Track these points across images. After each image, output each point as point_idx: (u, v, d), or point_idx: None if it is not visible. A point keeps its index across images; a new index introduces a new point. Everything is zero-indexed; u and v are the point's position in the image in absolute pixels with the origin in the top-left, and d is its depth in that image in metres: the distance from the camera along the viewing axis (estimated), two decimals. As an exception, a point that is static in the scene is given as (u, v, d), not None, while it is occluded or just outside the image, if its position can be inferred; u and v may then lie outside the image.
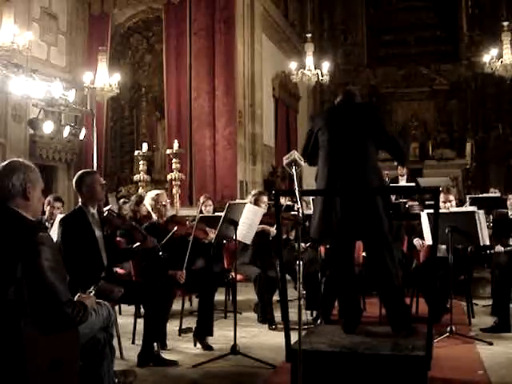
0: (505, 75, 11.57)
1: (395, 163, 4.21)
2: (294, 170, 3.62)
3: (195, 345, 4.54)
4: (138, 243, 4.24)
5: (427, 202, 7.41)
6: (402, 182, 9.90)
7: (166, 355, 4.18)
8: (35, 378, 2.30)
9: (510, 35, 11.34)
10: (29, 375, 2.27)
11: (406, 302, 4.11)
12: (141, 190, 9.62)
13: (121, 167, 12.60)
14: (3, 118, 9.75)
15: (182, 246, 4.67)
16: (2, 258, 2.31)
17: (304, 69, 11.90)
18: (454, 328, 4.57)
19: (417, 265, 5.66)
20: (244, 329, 4.97)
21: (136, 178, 10.29)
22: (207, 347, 4.47)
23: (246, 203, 5.00)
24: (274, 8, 13.88)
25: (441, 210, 4.89)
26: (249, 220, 4.75)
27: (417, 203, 7.85)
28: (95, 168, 8.63)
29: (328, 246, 5.07)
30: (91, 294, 2.84)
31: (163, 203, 4.99)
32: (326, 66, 11.93)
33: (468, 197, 8.87)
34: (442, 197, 5.36)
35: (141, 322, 4.24)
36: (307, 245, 5.56)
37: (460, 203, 8.04)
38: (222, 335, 4.71)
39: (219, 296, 5.38)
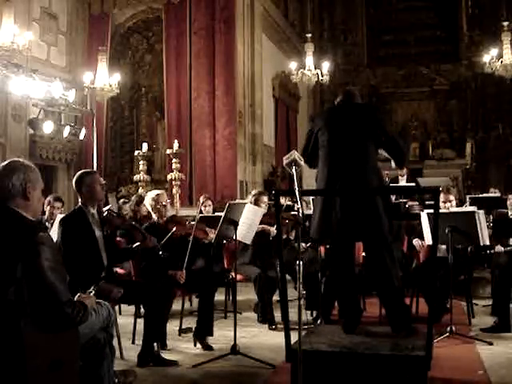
0: (505, 75, 11.57)
1: (393, 165, 4.19)
2: (293, 170, 3.61)
3: (195, 345, 4.54)
4: (137, 243, 4.24)
5: (427, 202, 7.41)
6: (402, 182, 9.89)
7: (166, 355, 4.18)
8: (35, 378, 2.30)
9: (510, 35, 11.34)
10: (29, 375, 2.26)
11: (406, 302, 4.11)
12: (141, 190, 9.63)
13: (121, 167, 12.61)
14: (3, 118, 9.76)
15: (182, 246, 4.67)
16: (2, 257, 2.31)
17: (304, 69, 11.89)
18: (454, 328, 4.56)
19: (417, 265, 5.66)
20: (244, 329, 4.97)
21: (136, 178, 10.30)
22: (207, 347, 4.47)
23: (245, 203, 5.00)
24: (274, 8, 13.88)
25: (441, 210, 4.90)
26: (249, 220, 4.75)
27: (417, 203, 7.85)
28: (95, 168, 8.64)
29: (328, 246, 5.07)
30: (91, 294, 2.84)
31: (163, 203, 4.99)
32: (326, 66, 11.93)
33: (468, 197, 8.86)
34: (442, 197, 5.36)
35: (141, 322, 4.24)
36: (307, 245, 5.56)
37: (460, 203, 8.04)
38: (221, 335, 4.71)
39: (219, 296, 5.38)
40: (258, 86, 12.30)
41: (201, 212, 6.50)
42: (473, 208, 5.74)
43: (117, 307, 4.93)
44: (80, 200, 4.02)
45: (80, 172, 4.11)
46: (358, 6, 18.00)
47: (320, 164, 3.95)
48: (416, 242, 5.56)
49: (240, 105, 11.47)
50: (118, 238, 5.19)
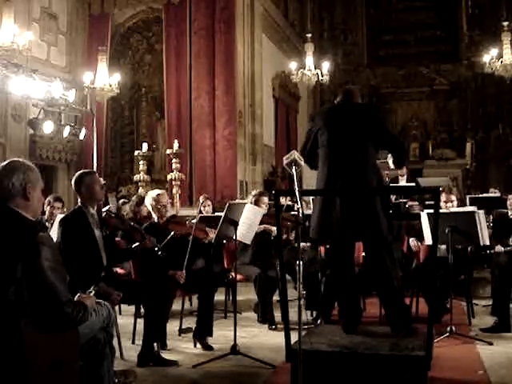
0: (505, 75, 11.57)
1: (391, 165, 4.20)
2: (293, 170, 3.61)
3: (195, 345, 4.53)
4: (137, 243, 4.24)
5: (427, 202, 7.41)
6: (402, 182, 9.88)
7: (166, 355, 4.18)
8: (35, 378, 2.30)
9: (510, 35, 11.34)
10: (29, 375, 2.27)
11: (406, 302, 4.11)
12: (141, 190, 9.64)
13: (121, 167, 12.61)
14: (3, 118, 9.76)
15: (182, 246, 4.67)
16: (2, 257, 2.31)
17: (304, 69, 11.90)
18: (453, 328, 4.56)
19: (417, 265, 5.66)
20: (244, 329, 4.96)
21: (136, 177, 10.31)
22: (207, 347, 4.47)
23: (245, 203, 4.99)
24: (274, 8, 13.88)
25: (442, 210, 4.90)
26: (249, 220, 4.75)
27: (417, 203, 7.85)
28: (95, 168, 8.63)
29: (328, 246, 5.07)
30: (91, 294, 2.84)
31: (164, 203, 4.98)
32: (326, 66, 11.93)
33: (468, 197, 8.86)
34: (443, 197, 5.36)
35: (141, 322, 4.24)
36: (307, 245, 5.56)
37: (461, 203, 8.04)
38: (221, 335, 4.71)
39: (219, 296, 5.38)
40: (258, 85, 12.31)
41: (201, 212, 6.50)
42: (473, 208, 5.73)
43: (117, 307, 4.92)
44: (79, 200, 4.03)
45: (79, 172, 4.11)
46: (358, 6, 17.99)
47: (320, 164, 3.94)
48: (412, 241, 5.56)
49: (240, 105, 11.47)
50: (118, 239, 5.19)
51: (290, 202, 7.17)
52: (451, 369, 3.86)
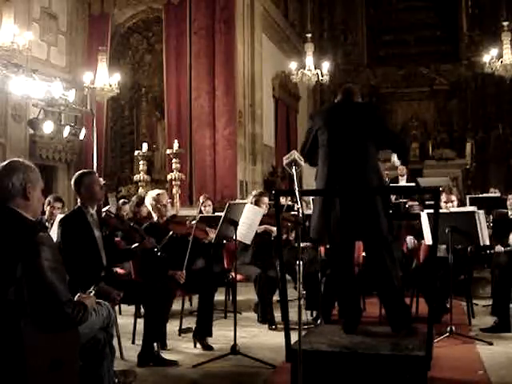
0: (505, 75, 11.57)
1: (395, 159, 4.18)
2: (294, 170, 3.62)
3: (195, 345, 4.53)
4: (136, 244, 4.24)
5: (427, 202, 7.41)
6: (402, 182, 9.90)
7: (166, 355, 4.18)
8: (35, 378, 2.30)
9: (510, 35, 11.34)
10: (29, 375, 2.26)
11: (406, 302, 4.11)
12: (141, 190, 9.64)
13: (121, 167, 12.61)
14: (3, 118, 9.76)
15: (182, 246, 4.67)
16: (2, 258, 2.31)
17: (304, 69, 11.90)
18: (453, 328, 4.56)
19: (417, 265, 5.66)
20: (244, 329, 4.96)
21: (136, 177, 10.31)
22: (207, 347, 4.47)
23: (245, 203, 4.99)
24: (274, 8, 13.88)
25: (442, 210, 4.89)
26: (249, 220, 4.75)
27: (417, 203, 7.85)
28: (95, 168, 8.63)
29: (328, 246, 5.07)
30: (91, 294, 2.84)
31: (164, 203, 4.98)
32: (326, 66, 11.93)
33: (468, 197, 8.87)
34: (443, 197, 5.36)
35: (141, 322, 4.24)
36: (308, 244, 5.56)
37: (461, 204, 8.04)
38: (221, 335, 4.71)
39: (219, 296, 5.38)
40: (258, 85, 12.31)
41: (201, 212, 6.50)
42: (473, 208, 5.73)
43: (117, 307, 4.92)
44: (79, 200, 4.03)
45: (79, 172, 4.11)
46: (358, 6, 18.00)
47: (320, 163, 3.93)
48: (409, 239, 5.56)
49: (240, 105, 11.47)
50: (118, 239, 5.18)
51: (290, 202, 7.17)
52: (451, 369, 3.86)
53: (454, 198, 5.52)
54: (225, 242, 5.48)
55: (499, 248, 5.57)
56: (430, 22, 17.49)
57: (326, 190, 3.87)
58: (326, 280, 5.14)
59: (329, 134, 3.88)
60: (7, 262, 2.30)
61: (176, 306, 4.93)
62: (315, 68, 11.93)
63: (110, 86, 10.05)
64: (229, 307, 5.64)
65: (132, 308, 4.83)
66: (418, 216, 5.34)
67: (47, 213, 5.94)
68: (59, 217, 4.75)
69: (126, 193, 11.21)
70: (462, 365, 3.99)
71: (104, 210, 5.16)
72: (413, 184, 8.95)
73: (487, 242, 4.93)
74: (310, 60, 11.98)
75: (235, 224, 4.39)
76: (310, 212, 4.52)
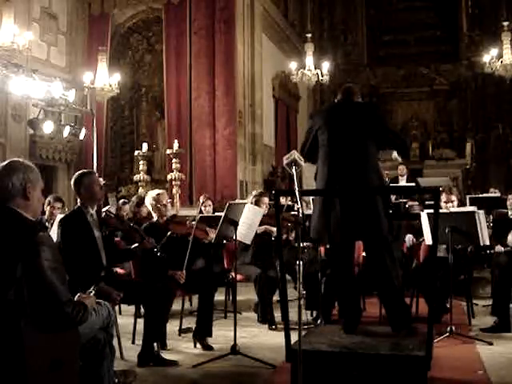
0: (505, 75, 11.57)
1: (395, 155, 4.18)
2: (294, 170, 3.61)
3: (195, 345, 4.54)
4: (136, 244, 4.24)
5: (427, 202, 7.41)
6: (402, 182, 9.90)
7: (166, 355, 4.18)
8: (35, 378, 2.30)
9: (510, 35, 11.34)
10: (29, 375, 2.26)
11: (406, 301, 4.11)
12: (141, 190, 9.64)
13: (121, 167, 12.61)
14: (3, 118, 9.76)
15: (182, 246, 4.67)
16: (2, 257, 2.31)
17: (304, 69, 11.90)
18: (453, 328, 4.56)
19: (417, 265, 5.66)
20: (244, 329, 4.96)
21: (136, 177, 10.31)
22: (207, 347, 4.47)
23: (245, 203, 4.99)
24: (274, 8, 13.88)
25: (442, 210, 4.89)
26: (249, 220, 4.75)
27: (417, 203, 7.85)
28: (95, 168, 8.63)
29: (328, 246, 5.07)
30: (91, 294, 2.84)
31: (164, 203, 4.98)
32: (326, 66, 11.93)
33: (468, 197, 8.87)
34: (444, 197, 5.36)
35: (141, 322, 4.24)
36: (308, 244, 5.56)
37: (461, 204, 8.04)
38: (221, 335, 4.71)
39: (219, 296, 5.38)
40: (258, 86, 12.31)
41: (201, 212, 6.50)
42: (473, 208, 5.73)
43: (117, 307, 4.92)
44: (79, 200, 4.03)
45: (78, 173, 4.11)
46: (358, 6, 17.99)
47: (320, 163, 3.93)
48: (408, 237, 5.57)
49: (240, 105, 11.47)
50: (117, 239, 5.18)
51: (290, 202, 7.17)
52: (451, 369, 3.86)
53: (454, 198, 5.52)
54: (225, 242, 5.48)
55: (499, 248, 5.57)
56: (430, 21, 17.48)
57: (326, 190, 3.87)
58: (326, 280, 5.14)
59: (329, 134, 3.89)
60: (7, 262, 2.30)
61: (176, 306, 4.93)
62: (315, 68, 11.93)
63: (110, 85, 10.05)
64: (229, 307, 5.64)
65: (132, 308, 4.83)
66: (418, 216, 5.34)
67: (47, 213, 5.94)
68: (59, 217, 4.75)
69: (125, 193, 11.20)
70: (462, 365, 3.99)
71: (104, 210, 5.17)
72: (413, 184, 8.94)
73: (487, 242, 4.93)
74: (310, 60, 11.98)
75: (235, 224, 4.39)
76: (310, 212, 4.51)
